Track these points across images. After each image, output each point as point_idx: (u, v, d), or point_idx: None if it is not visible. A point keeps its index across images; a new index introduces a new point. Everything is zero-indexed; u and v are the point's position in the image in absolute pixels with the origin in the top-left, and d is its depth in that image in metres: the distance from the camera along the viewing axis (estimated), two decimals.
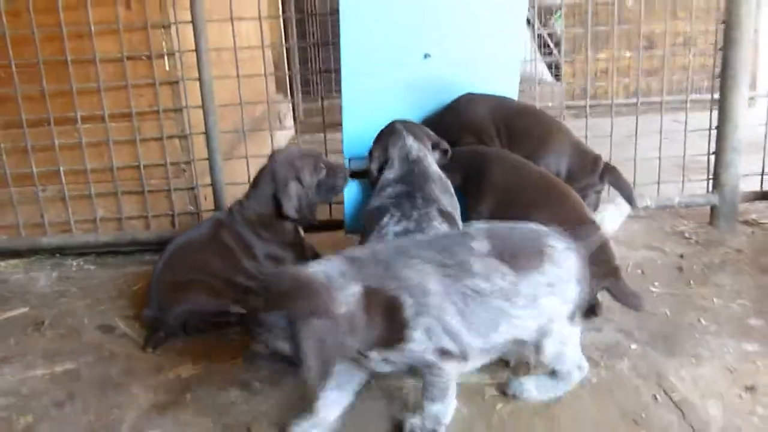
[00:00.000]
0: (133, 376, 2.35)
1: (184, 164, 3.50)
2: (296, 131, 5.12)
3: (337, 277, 1.72)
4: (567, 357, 1.97)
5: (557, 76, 7.43)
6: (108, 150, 3.42)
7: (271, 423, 2.01)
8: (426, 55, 2.98)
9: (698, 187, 3.58)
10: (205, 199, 3.59)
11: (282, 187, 2.68)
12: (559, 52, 5.60)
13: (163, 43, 3.33)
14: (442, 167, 2.65)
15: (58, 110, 3.35)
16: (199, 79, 3.30)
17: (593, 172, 2.88)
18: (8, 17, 3.25)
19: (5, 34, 3.24)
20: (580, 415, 2.00)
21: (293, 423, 1.92)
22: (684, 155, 3.58)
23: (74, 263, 3.49)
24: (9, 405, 2.22)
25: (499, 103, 2.98)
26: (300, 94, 6.97)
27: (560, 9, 6.17)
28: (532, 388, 2.05)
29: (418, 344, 1.74)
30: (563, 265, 1.86)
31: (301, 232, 2.88)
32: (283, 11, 6.49)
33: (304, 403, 1.96)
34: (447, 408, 1.87)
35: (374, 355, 1.77)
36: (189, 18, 3.25)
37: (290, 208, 2.68)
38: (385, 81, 3.01)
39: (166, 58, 3.35)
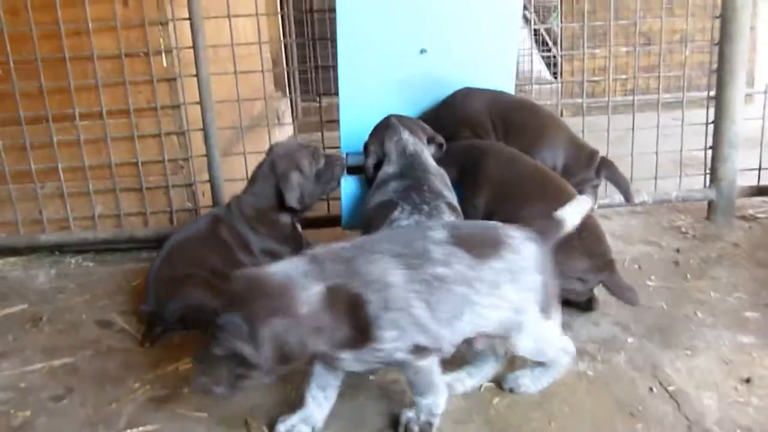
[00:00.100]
0: (130, 370, 2.36)
1: (182, 161, 3.50)
2: (294, 129, 5.12)
3: (299, 276, 1.69)
4: (547, 349, 1.96)
5: (555, 74, 7.44)
6: (106, 147, 3.43)
7: (269, 416, 2.01)
8: (422, 51, 2.99)
9: (695, 182, 3.58)
10: (203, 195, 3.59)
11: (283, 178, 2.71)
12: (557, 49, 5.60)
13: (161, 40, 3.34)
14: (438, 161, 2.65)
15: (56, 107, 3.36)
16: (197, 75, 3.31)
17: (589, 166, 2.88)
18: (6, 14, 3.25)
19: (3, 31, 3.25)
20: (577, 407, 2.00)
21: (279, 419, 1.93)
22: (681, 150, 3.58)
23: (73, 260, 3.49)
24: (7, 399, 2.22)
25: (495, 97, 2.98)
26: (299, 93, 6.96)
27: (557, 7, 6.17)
28: (528, 381, 2.06)
29: (389, 343, 1.72)
30: (522, 253, 1.85)
31: (299, 228, 2.89)
32: (281, 8, 6.49)
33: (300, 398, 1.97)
34: (438, 399, 1.86)
35: (346, 355, 1.74)
36: (186, 15, 3.25)
37: (293, 198, 2.70)
38: (382, 76, 3.02)
39: (163, 55, 3.35)
